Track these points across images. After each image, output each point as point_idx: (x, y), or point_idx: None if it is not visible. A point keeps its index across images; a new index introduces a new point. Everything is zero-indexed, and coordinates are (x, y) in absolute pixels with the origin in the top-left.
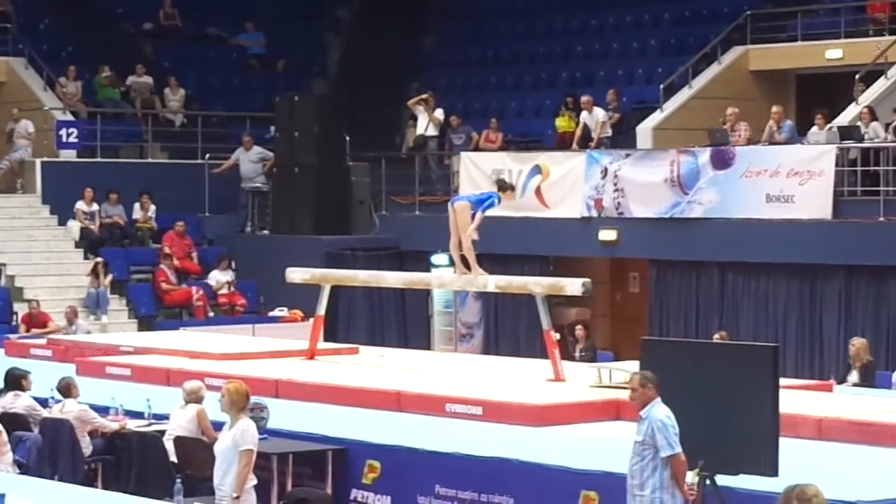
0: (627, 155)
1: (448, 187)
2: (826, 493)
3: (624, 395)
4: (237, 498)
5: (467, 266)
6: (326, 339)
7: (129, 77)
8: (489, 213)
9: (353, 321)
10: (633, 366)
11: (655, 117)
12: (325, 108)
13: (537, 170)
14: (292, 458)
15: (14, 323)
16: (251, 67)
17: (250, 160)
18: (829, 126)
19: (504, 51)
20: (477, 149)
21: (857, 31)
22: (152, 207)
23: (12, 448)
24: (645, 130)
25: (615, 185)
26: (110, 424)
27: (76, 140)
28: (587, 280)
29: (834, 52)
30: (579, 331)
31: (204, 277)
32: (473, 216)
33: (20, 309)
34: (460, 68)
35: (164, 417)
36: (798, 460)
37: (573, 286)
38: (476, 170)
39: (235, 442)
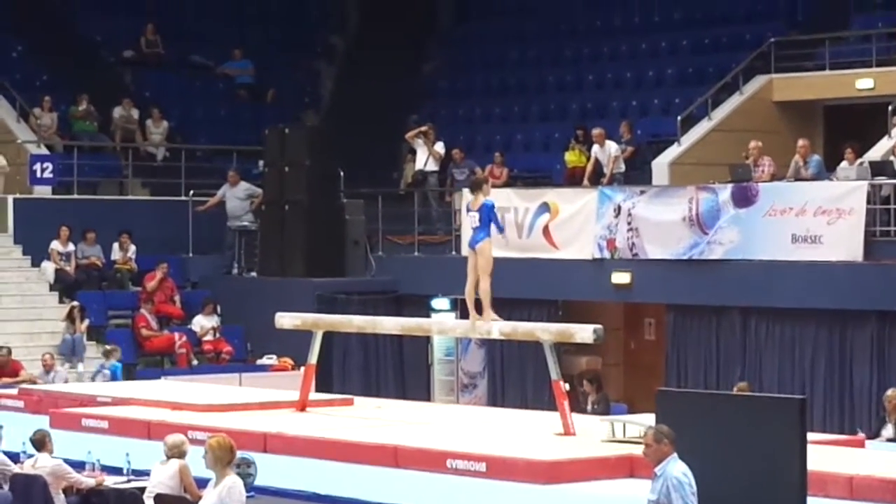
0: (642, 192)
1: (450, 226)
2: None
3: (638, 450)
4: None
5: (480, 311)
6: (319, 390)
7: (116, 108)
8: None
9: (347, 370)
10: (649, 419)
11: (672, 151)
12: (318, 140)
13: (545, 207)
14: None
15: None
16: (239, 98)
17: (237, 197)
18: (859, 161)
19: (510, 79)
20: None
21: (890, 59)
22: (132, 248)
23: None
24: (661, 165)
25: (629, 224)
26: (86, 480)
27: (51, 175)
28: (599, 326)
29: (864, 82)
30: (590, 382)
31: (187, 323)
32: None
33: None
34: (463, 98)
35: (145, 473)
36: None
37: (584, 333)
38: None
39: (221, 500)
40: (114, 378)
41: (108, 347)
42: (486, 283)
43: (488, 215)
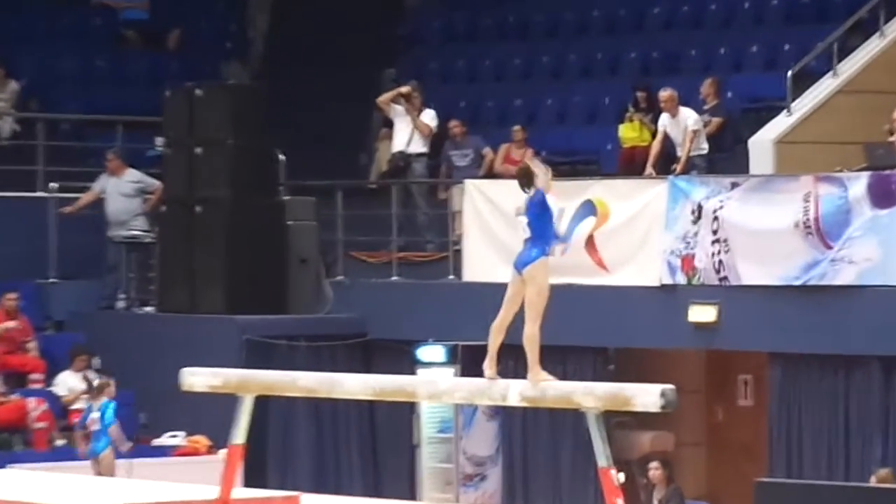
0: (734, 185)
1: (445, 237)
2: None
3: None
4: None
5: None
6: (249, 483)
7: None
8: None
9: (291, 453)
10: None
11: (779, 124)
12: (246, 108)
13: (590, 208)
14: None
15: None
16: (126, 43)
17: (122, 192)
18: None
19: (535, 16)
20: (491, 174)
21: None
22: None
23: None
24: (763, 145)
25: (715, 233)
26: None
27: None
28: (670, 387)
29: None
30: (656, 469)
31: (48, 384)
32: None
33: None
34: (464, 44)
35: None
36: None
37: (647, 398)
38: (490, 207)
39: None
40: (102, 423)
41: (99, 381)
42: (535, 325)
43: (539, 216)
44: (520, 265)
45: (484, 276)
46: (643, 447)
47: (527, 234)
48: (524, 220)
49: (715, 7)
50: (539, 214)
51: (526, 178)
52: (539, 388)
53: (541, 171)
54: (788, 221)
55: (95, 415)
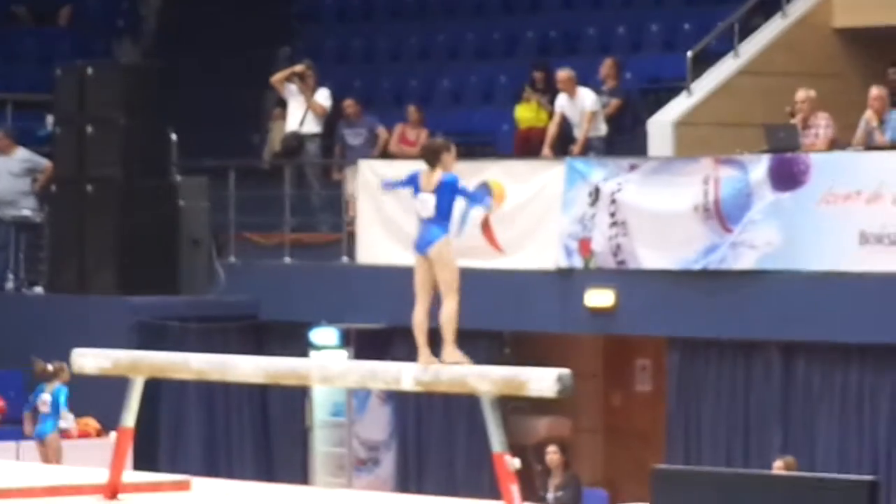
0: (633, 167)
1: (339, 218)
2: None
3: None
4: None
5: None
6: (139, 467)
7: None
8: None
9: (182, 437)
10: None
11: (679, 105)
12: (138, 86)
13: (485, 191)
14: None
15: None
16: (16, 19)
17: (11, 172)
18: None
19: None
20: (385, 154)
21: None
22: None
23: None
24: (662, 126)
25: (613, 215)
26: None
27: None
28: (566, 372)
29: None
30: (553, 455)
31: None
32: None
33: None
34: (359, 22)
35: None
36: None
37: (543, 382)
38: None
39: None
40: (55, 408)
41: (54, 365)
42: (454, 303)
43: (450, 199)
44: (423, 246)
45: (378, 258)
46: (539, 433)
47: (429, 213)
48: (430, 198)
49: None
50: (447, 197)
51: (432, 155)
52: (432, 371)
53: (450, 155)
54: (688, 204)
55: (46, 397)
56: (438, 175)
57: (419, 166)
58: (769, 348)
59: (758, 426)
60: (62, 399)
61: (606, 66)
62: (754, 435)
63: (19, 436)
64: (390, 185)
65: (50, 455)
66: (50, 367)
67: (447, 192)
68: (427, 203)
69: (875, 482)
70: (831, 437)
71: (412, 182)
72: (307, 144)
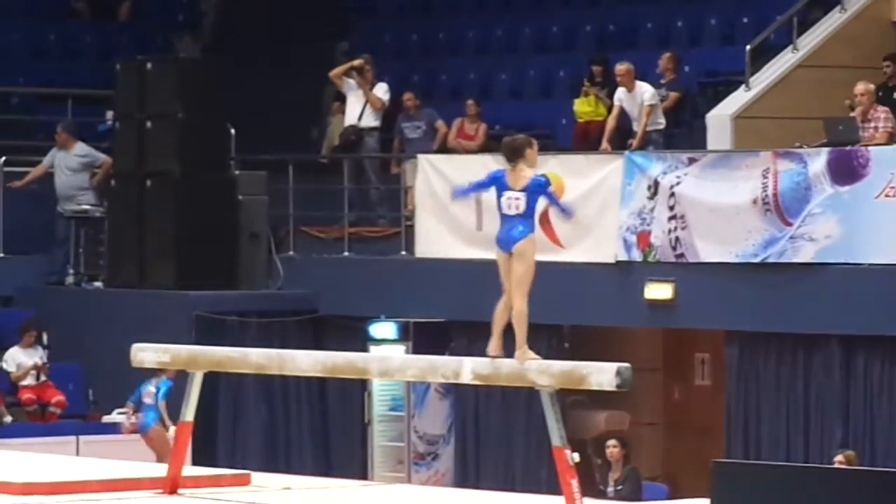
0: (692, 160)
1: (398, 212)
2: None
3: None
4: None
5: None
6: (198, 462)
7: None
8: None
9: (241, 431)
10: None
11: (738, 98)
12: (197, 81)
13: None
14: None
15: None
16: (76, 14)
17: (70, 167)
18: None
19: None
20: (444, 148)
21: None
22: None
23: None
24: (721, 119)
25: (672, 209)
26: None
27: None
28: (626, 365)
29: None
30: (613, 448)
31: None
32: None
33: None
34: (417, 17)
35: None
36: None
37: (603, 376)
38: (442, 182)
39: None
40: (155, 399)
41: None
42: (523, 302)
43: (534, 198)
44: (509, 243)
45: (436, 252)
46: (598, 426)
47: (518, 211)
48: (519, 197)
49: None
50: (533, 196)
51: (514, 152)
52: (493, 365)
53: (533, 152)
54: (747, 198)
55: (151, 389)
56: (527, 173)
57: (476, 162)
58: (829, 342)
59: (818, 420)
60: (163, 391)
61: (665, 60)
62: (814, 429)
63: (79, 430)
64: (463, 192)
65: (156, 446)
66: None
67: (536, 191)
68: (517, 201)
69: None
70: (892, 431)
71: (495, 182)
72: (366, 138)
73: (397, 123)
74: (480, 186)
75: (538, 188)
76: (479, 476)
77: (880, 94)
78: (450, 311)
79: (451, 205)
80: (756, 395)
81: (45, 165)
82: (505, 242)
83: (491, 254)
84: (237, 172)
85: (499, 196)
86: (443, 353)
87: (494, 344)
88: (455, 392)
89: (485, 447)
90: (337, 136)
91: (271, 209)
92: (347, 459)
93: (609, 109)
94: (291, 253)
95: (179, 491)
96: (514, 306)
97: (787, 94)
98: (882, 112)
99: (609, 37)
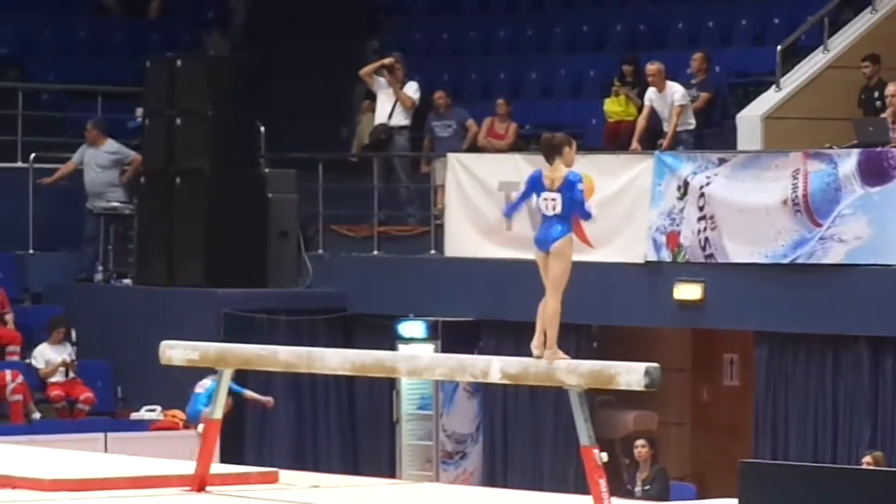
0: (722, 161)
1: (428, 210)
2: None
3: None
4: None
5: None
6: (226, 459)
7: None
8: None
9: (269, 430)
10: None
11: (768, 99)
12: (227, 78)
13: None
14: None
15: None
16: (106, 11)
17: (100, 164)
18: None
19: None
20: (474, 147)
21: None
22: None
23: None
24: (751, 120)
25: (701, 209)
26: None
27: None
28: (654, 365)
29: None
30: (641, 448)
31: (25, 356)
32: None
33: None
34: (448, 15)
35: None
36: None
37: (631, 376)
38: (472, 181)
39: None
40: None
41: None
42: (557, 301)
43: (572, 195)
44: (546, 243)
45: (466, 251)
46: (627, 426)
47: (555, 211)
48: (557, 196)
49: None
50: (570, 195)
51: (552, 151)
52: (521, 364)
53: (571, 150)
54: (776, 198)
55: (207, 382)
56: (562, 171)
57: (506, 162)
58: (858, 343)
59: (846, 421)
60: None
61: (696, 60)
62: (843, 430)
63: (108, 426)
64: (513, 207)
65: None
66: None
67: (571, 189)
68: (554, 202)
69: None
70: None
71: (534, 186)
72: (396, 137)
73: (427, 122)
74: (525, 197)
75: (572, 185)
76: (507, 475)
77: None
78: (479, 310)
79: (480, 204)
80: (784, 396)
81: (75, 162)
82: (543, 242)
83: (519, 253)
84: (267, 170)
85: (537, 197)
86: (471, 353)
87: (538, 342)
88: (483, 391)
89: (513, 446)
90: (367, 134)
91: (301, 207)
92: (375, 458)
93: (639, 109)
94: (321, 251)
95: (207, 488)
96: (547, 305)
97: (817, 94)
98: None
99: (640, 36)
